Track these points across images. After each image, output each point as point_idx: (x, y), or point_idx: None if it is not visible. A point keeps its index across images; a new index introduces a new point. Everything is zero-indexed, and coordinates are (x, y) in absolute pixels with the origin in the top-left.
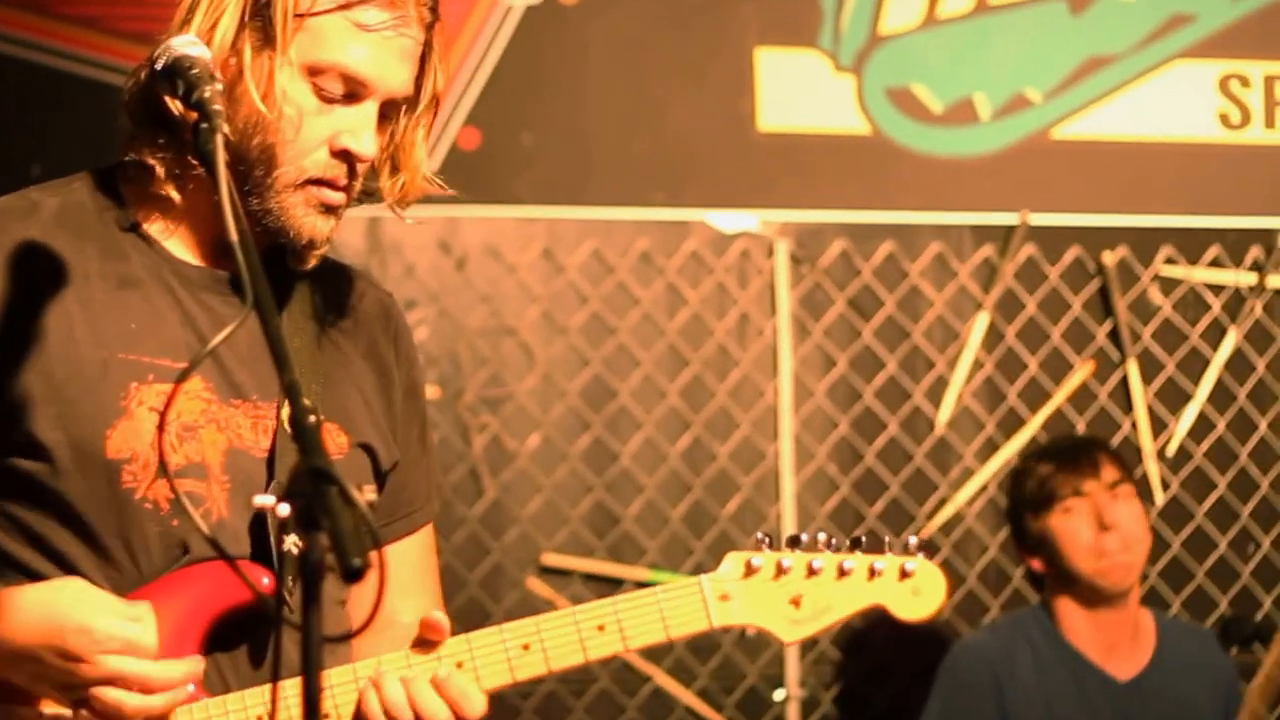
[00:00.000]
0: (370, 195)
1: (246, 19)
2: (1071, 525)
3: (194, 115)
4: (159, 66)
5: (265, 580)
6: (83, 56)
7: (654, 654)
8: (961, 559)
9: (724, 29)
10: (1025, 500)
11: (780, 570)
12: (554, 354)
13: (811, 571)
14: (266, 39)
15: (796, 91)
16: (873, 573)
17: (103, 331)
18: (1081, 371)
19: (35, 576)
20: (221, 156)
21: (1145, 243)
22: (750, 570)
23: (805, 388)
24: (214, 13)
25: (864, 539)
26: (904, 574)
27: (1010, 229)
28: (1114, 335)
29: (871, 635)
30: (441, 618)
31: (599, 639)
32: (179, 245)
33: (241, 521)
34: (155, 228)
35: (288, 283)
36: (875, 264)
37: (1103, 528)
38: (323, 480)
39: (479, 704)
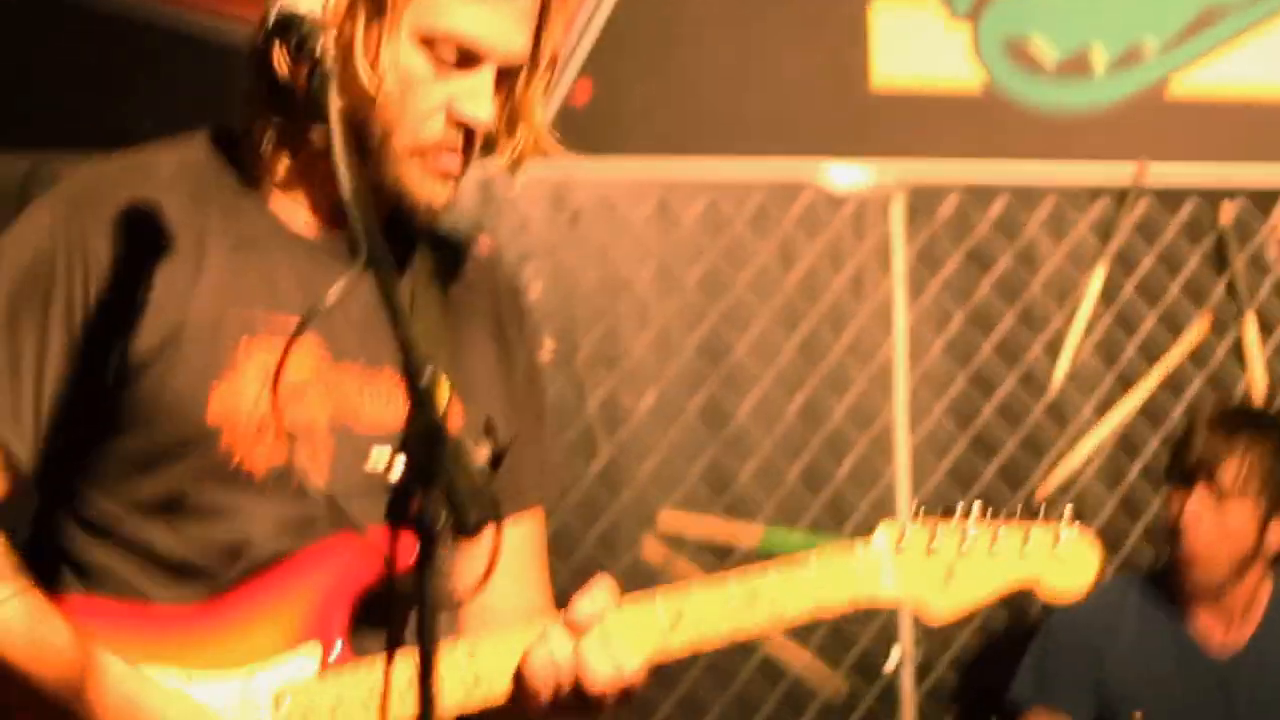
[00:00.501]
0: (487, 151)
1: None
2: (1169, 510)
3: (305, 70)
4: (270, 23)
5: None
6: (195, 13)
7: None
8: (1078, 518)
9: None
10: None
11: (934, 542)
12: (669, 310)
13: (965, 545)
14: (379, 7)
15: (911, 44)
16: (1026, 546)
17: (217, 288)
18: (1198, 327)
19: (116, 580)
20: (335, 108)
21: (1263, 197)
22: (903, 542)
23: (922, 344)
24: None
25: (1017, 512)
26: (1056, 548)
27: (1127, 184)
28: (1230, 290)
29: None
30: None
31: (749, 611)
32: (296, 207)
33: (346, 486)
34: (272, 189)
35: (412, 250)
36: (991, 219)
37: (1178, 528)
38: (438, 439)
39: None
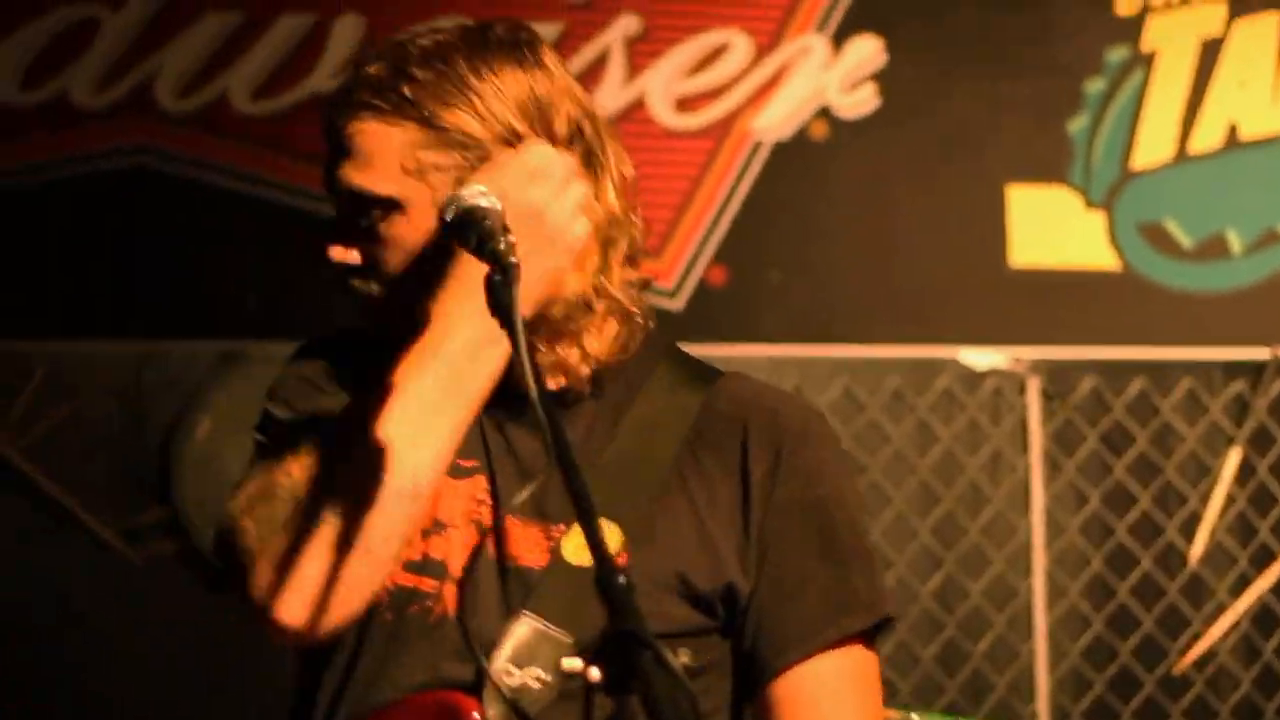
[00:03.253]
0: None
1: None
2: None
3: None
4: (449, 218)
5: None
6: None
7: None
8: (1215, 695)
9: (974, 165)
10: None
11: None
12: None
13: None
14: None
15: (1047, 227)
16: None
17: None
18: None
19: None
20: (520, 309)
21: None
22: None
23: (1058, 524)
24: None
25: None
26: None
27: (1262, 365)
28: None
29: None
30: None
31: None
32: None
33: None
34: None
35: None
36: (1127, 400)
37: None
38: (636, 644)
39: None
